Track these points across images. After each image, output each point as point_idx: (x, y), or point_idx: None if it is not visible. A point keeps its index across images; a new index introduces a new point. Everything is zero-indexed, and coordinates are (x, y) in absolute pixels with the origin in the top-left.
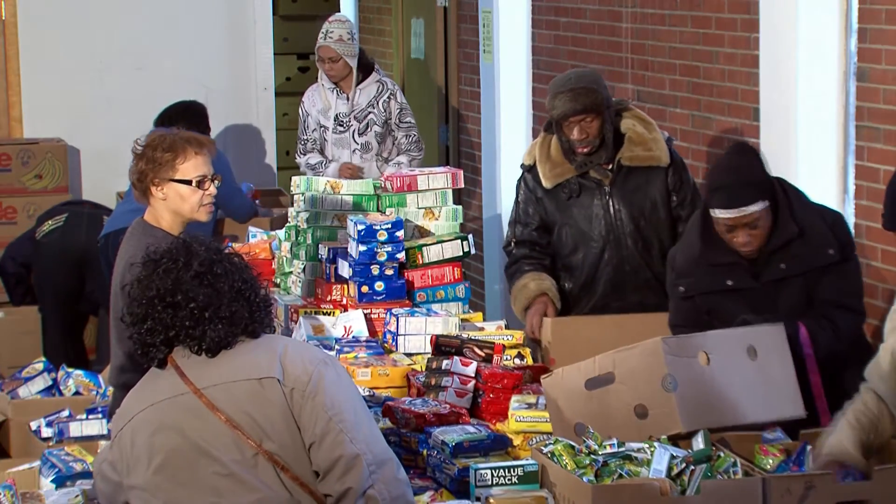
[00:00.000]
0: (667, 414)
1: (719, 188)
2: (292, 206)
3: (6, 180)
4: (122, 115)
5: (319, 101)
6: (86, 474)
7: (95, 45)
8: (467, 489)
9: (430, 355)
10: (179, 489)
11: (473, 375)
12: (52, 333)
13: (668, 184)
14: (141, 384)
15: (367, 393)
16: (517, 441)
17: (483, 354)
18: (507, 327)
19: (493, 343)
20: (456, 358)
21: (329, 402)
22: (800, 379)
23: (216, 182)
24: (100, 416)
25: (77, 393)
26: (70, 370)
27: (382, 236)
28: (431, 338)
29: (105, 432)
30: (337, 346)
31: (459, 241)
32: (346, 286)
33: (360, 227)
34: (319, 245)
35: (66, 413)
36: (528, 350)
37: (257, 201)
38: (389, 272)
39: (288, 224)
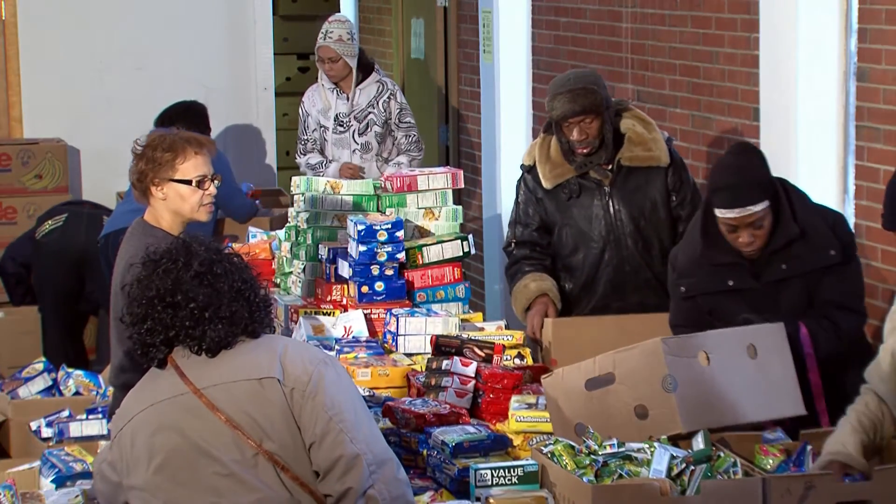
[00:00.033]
0: (667, 414)
1: (722, 188)
2: (292, 206)
3: (6, 180)
4: (122, 115)
5: (319, 102)
6: (86, 474)
7: (95, 45)
8: (467, 489)
9: (430, 355)
10: (179, 489)
11: (473, 375)
12: (52, 333)
13: (668, 184)
14: (140, 384)
15: (367, 393)
16: (517, 441)
17: (483, 354)
18: (507, 327)
19: (493, 343)
20: (456, 358)
21: (329, 401)
22: (799, 379)
23: (216, 182)
24: (100, 416)
25: (77, 393)
26: (70, 370)
27: (382, 236)
28: (431, 338)
29: (105, 432)
30: (337, 346)
31: (459, 241)
32: (346, 286)
33: (360, 227)
34: (319, 245)
35: (66, 413)
36: (528, 350)
37: (258, 201)
38: (389, 272)
39: (288, 224)
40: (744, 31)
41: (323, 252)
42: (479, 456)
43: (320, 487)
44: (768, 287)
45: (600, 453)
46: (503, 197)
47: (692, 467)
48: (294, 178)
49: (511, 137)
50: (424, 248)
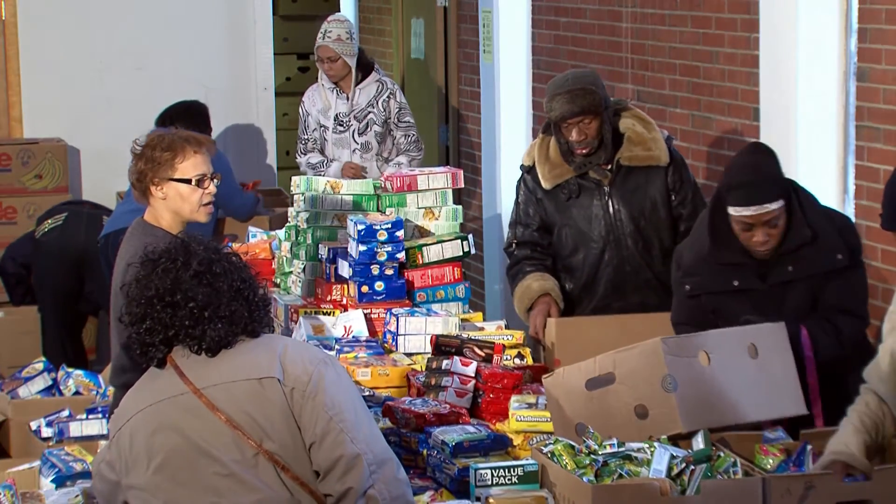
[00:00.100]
0: (667, 414)
1: (738, 186)
2: (292, 205)
3: (6, 180)
4: (122, 115)
5: (319, 101)
6: (86, 474)
7: (95, 45)
8: (467, 489)
9: (430, 355)
10: (179, 489)
11: (473, 375)
12: (52, 333)
13: (668, 183)
14: (140, 384)
15: (367, 393)
16: (517, 441)
17: (483, 354)
18: (507, 327)
19: (493, 343)
20: (456, 358)
21: (329, 401)
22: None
23: (216, 181)
24: (100, 416)
25: (77, 393)
26: (70, 370)
27: (382, 236)
28: (431, 338)
29: (105, 432)
30: (337, 346)
31: (459, 241)
32: (346, 286)
33: (360, 227)
34: (319, 245)
35: (66, 413)
36: (528, 350)
37: (259, 197)
38: (389, 272)
39: (288, 224)
40: (744, 31)
41: (323, 252)
42: (479, 456)
43: (320, 487)
44: (774, 288)
45: (600, 453)
46: (503, 197)
47: (692, 467)
48: (294, 178)
49: (511, 137)
50: (424, 248)
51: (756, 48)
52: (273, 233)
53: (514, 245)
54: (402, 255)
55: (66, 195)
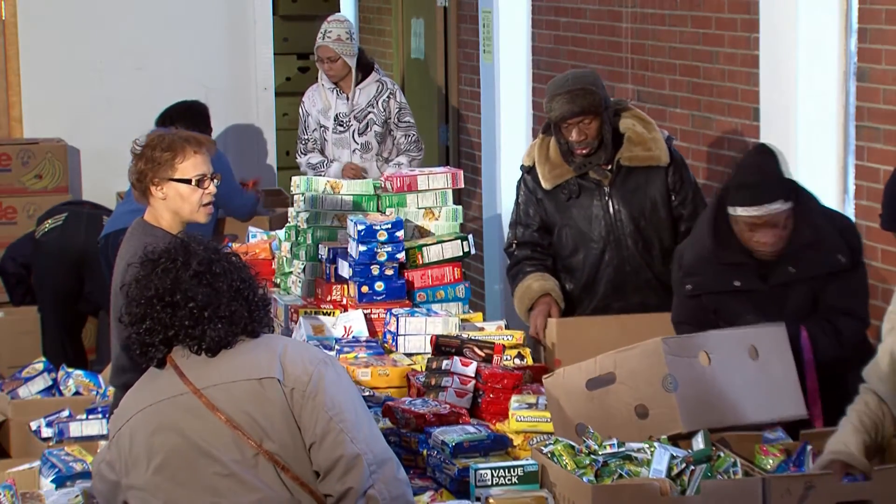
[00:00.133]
0: (667, 414)
1: (744, 186)
2: (292, 206)
3: (6, 180)
4: (122, 115)
5: (319, 101)
6: (86, 474)
7: (95, 45)
8: (467, 489)
9: (430, 355)
10: (179, 489)
11: (473, 375)
12: (52, 333)
13: (668, 183)
14: (139, 384)
15: (367, 393)
16: (517, 441)
17: (483, 354)
18: (507, 327)
19: (493, 343)
20: (456, 358)
21: (329, 401)
22: None
23: (216, 181)
24: (100, 416)
25: (77, 393)
26: (70, 370)
27: (382, 236)
28: (431, 338)
29: (105, 432)
30: (337, 346)
31: (459, 241)
32: (346, 286)
33: (360, 227)
34: (319, 245)
35: (66, 413)
36: (528, 350)
37: (260, 197)
38: (389, 272)
39: (288, 224)
40: (744, 31)
41: (323, 252)
42: (479, 456)
43: (321, 487)
44: (775, 289)
45: (600, 453)
46: (503, 197)
47: (692, 467)
48: (294, 178)
49: (511, 137)
50: (424, 248)
51: (756, 48)
52: (273, 233)
53: (514, 245)
54: (402, 256)
55: (66, 195)
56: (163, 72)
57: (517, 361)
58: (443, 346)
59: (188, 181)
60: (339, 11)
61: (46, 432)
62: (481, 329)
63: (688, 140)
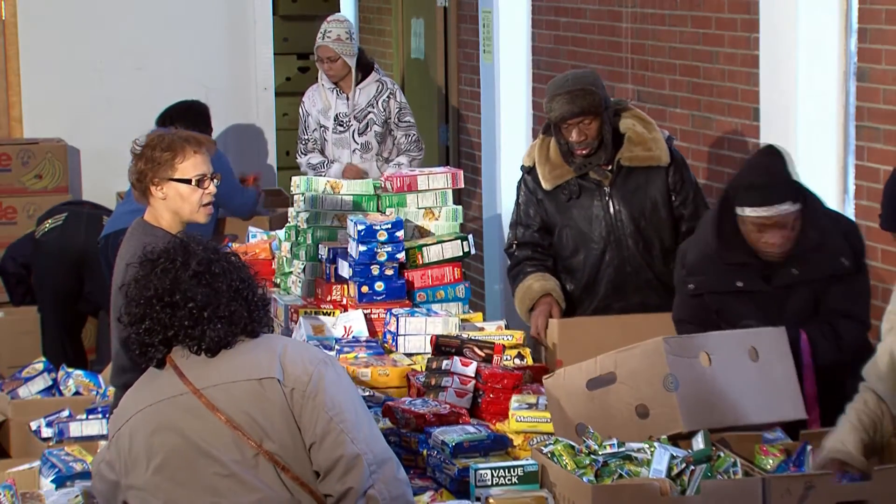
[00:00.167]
0: (668, 414)
1: (753, 187)
2: (292, 206)
3: (6, 180)
4: (122, 115)
5: (319, 101)
6: (86, 474)
7: (95, 45)
8: (467, 489)
9: (430, 355)
10: (179, 489)
11: (473, 375)
12: (52, 333)
13: (669, 183)
14: (139, 384)
15: (367, 393)
16: (517, 441)
17: (483, 354)
18: (507, 327)
19: (493, 343)
20: (456, 358)
21: (329, 402)
22: None
23: (216, 181)
24: (100, 416)
25: (77, 393)
26: (70, 370)
27: (382, 236)
28: (431, 338)
29: (105, 432)
30: (337, 346)
31: (459, 241)
32: (346, 286)
33: (360, 227)
34: (319, 245)
35: (66, 413)
36: (528, 350)
37: (260, 193)
38: (389, 272)
39: (288, 224)
40: (744, 31)
41: (323, 252)
42: (479, 456)
43: (321, 487)
44: (778, 291)
45: (600, 453)
46: (503, 197)
47: (692, 467)
48: (294, 178)
49: (511, 137)
50: (424, 248)
51: (756, 48)
52: (273, 233)
53: (514, 246)
54: (402, 256)
55: (66, 195)
56: (163, 72)
57: (517, 361)
58: (443, 346)
59: (188, 181)
60: (339, 11)
61: (46, 432)
62: (481, 329)
63: (688, 140)
